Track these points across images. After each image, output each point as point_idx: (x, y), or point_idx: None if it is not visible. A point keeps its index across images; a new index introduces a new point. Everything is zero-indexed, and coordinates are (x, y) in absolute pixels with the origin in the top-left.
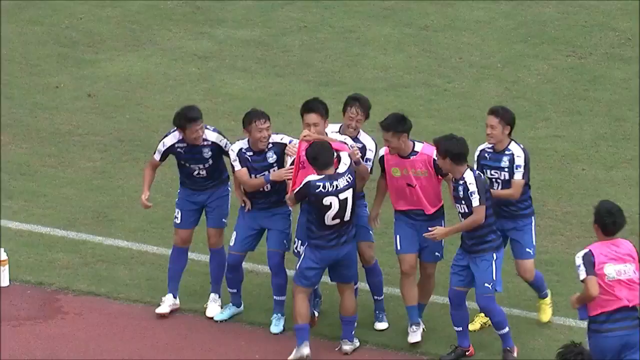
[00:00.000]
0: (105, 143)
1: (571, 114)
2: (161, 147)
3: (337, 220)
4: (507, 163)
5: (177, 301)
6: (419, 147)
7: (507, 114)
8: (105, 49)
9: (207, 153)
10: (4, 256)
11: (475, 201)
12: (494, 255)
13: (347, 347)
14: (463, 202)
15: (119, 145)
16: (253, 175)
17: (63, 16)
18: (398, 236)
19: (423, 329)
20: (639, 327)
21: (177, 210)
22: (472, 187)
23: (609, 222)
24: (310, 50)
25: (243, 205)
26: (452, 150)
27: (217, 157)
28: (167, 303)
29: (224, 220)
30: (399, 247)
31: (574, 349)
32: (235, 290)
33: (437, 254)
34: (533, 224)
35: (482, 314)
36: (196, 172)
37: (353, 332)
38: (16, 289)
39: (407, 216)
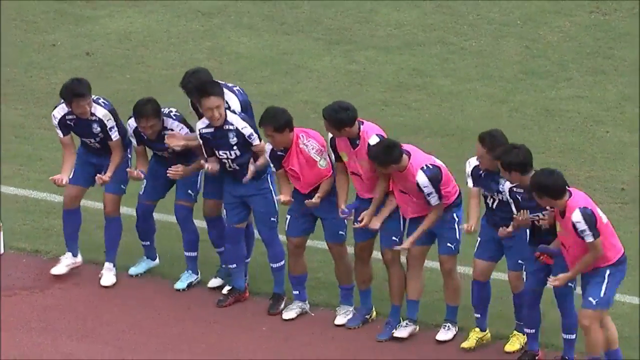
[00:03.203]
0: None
1: (594, 74)
2: (54, 122)
3: None
4: None
5: (79, 259)
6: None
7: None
8: (105, 5)
9: (95, 128)
10: None
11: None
12: None
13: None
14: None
15: (119, 106)
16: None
17: None
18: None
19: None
20: None
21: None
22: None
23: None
24: (319, 6)
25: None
26: (528, 160)
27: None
28: (64, 263)
29: (122, 186)
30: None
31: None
32: (148, 243)
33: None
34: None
35: (478, 329)
36: (90, 144)
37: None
38: (11, 257)
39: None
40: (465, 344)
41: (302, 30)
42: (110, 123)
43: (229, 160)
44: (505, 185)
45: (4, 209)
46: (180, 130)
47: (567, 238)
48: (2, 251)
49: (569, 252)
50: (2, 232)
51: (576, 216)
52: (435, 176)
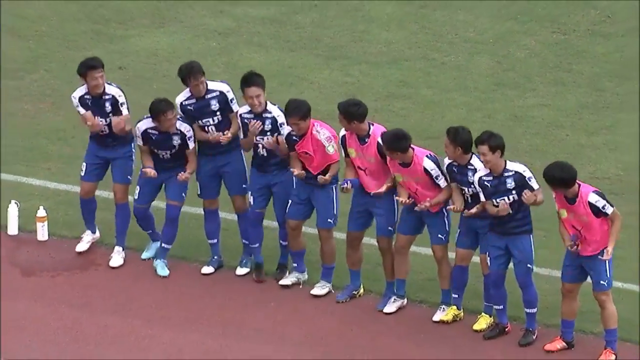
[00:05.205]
0: (134, 111)
1: (556, 85)
2: (75, 102)
3: None
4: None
5: (97, 234)
6: (371, 130)
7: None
8: (135, 26)
9: (107, 107)
10: (44, 213)
11: (536, 184)
12: (531, 236)
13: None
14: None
15: (147, 113)
16: (154, 149)
17: None
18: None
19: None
20: None
21: (83, 163)
22: (528, 173)
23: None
24: (320, 27)
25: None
26: (501, 142)
27: (118, 114)
28: (85, 240)
29: (128, 177)
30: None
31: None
32: (150, 231)
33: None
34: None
35: (455, 307)
36: (100, 129)
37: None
38: (54, 243)
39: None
40: (443, 317)
41: (305, 48)
42: (121, 99)
43: (261, 146)
44: (475, 176)
45: (49, 202)
46: (187, 131)
47: (580, 220)
48: (47, 238)
49: (581, 233)
50: (47, 222)
51: (593, 197)
52: (437, 161)
